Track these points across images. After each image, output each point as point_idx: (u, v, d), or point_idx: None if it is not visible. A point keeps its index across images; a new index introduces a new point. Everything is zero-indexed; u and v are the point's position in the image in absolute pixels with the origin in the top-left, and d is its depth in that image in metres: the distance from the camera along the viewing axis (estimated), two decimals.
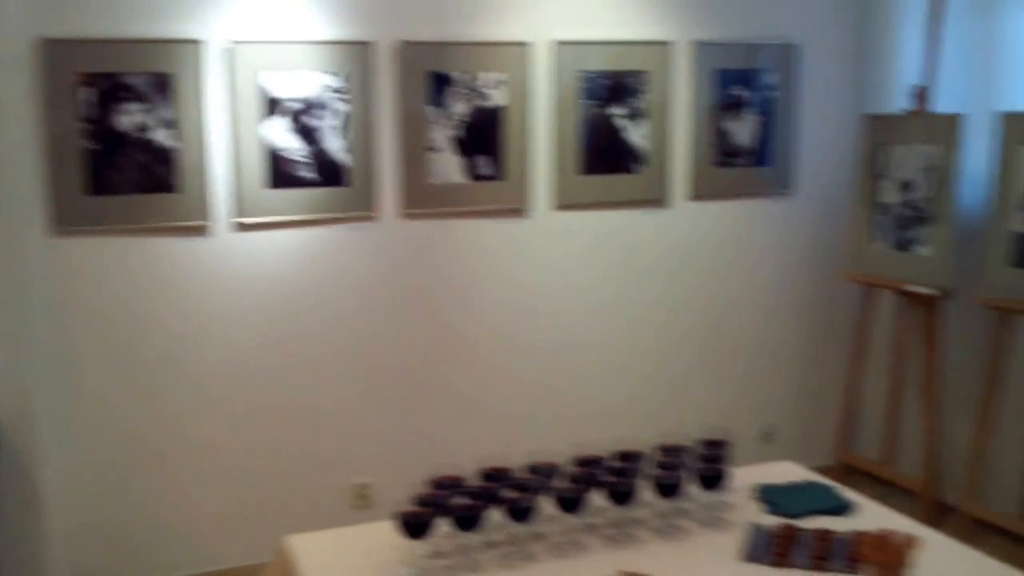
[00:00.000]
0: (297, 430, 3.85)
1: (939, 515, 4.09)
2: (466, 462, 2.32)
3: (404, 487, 2.22)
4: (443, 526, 2.13)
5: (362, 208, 3.82)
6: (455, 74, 3.88)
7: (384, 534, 2.19)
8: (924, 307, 4.15)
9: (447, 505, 2.14)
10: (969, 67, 4.17)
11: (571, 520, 2.25)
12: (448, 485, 2.24)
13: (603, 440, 2.43)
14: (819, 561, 2.08)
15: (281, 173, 3.69)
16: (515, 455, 2.36)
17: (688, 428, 2.53)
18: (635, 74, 4.17)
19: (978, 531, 3.86)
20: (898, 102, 4.36)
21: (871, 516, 2.34)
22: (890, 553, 1.83)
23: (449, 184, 3.94)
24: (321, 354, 3.85)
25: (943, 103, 4.18)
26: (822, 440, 4.73)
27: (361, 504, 3.95)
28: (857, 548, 2.03)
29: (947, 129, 3.99)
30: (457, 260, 4.01)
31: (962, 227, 4.05)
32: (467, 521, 2.12)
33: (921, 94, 4.15)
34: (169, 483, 3.71)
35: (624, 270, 4.31)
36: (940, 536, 2.25)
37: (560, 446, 2.41)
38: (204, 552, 3.78)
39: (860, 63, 4.66)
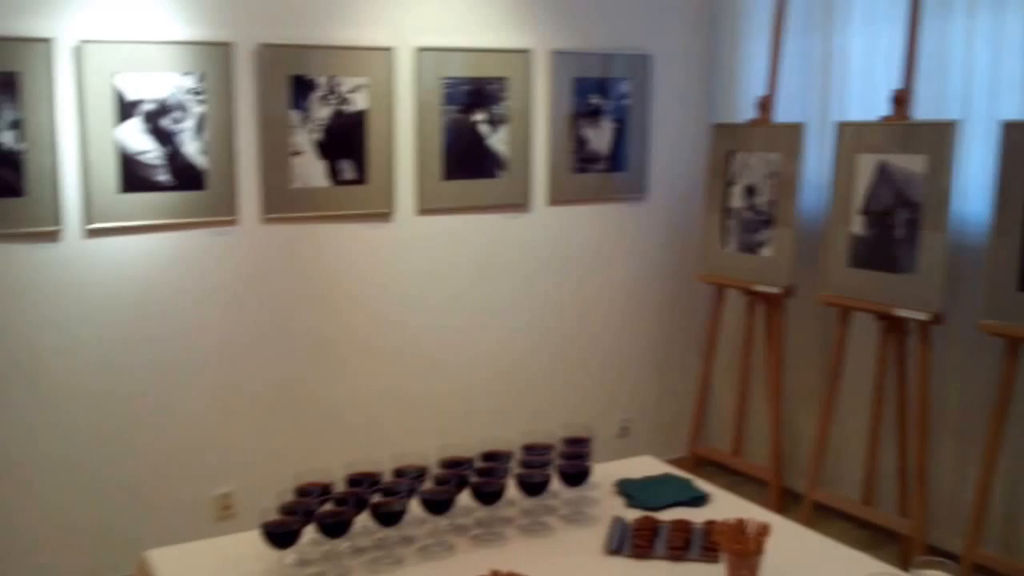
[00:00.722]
0: (157, 440, 3.76)
1: (786, 502, 4.31)
2: (332, 468, 2.33)
3: (268, 496, 2.21)
4: (309, 534, 2.14)
5: (222, 213, 3.77)
6: (317, 78, 3.87)
7: (248, 544, 2.18)
8: (769, 306, 4.36)
9: (313, 512, 2.15)
10: (808, 80, 4.41)
11: (439, 522, 2.29)
12: (313, 492, 2.25)
13: (469, 441, 2.48)
14: (678, 551, 2.18)
15: (136, 177, 3.60)
16: (381, 459, 2.39)
17: (550, 426, 2.61)
18: (496, 81, 4.25)
19: (822, 516, 4.08)
20: (744, 112, 4.57)
21: (725, 506, 2.47)
22: (745, 541, 1.94)
23: (312, 188, 3.92)
24: (180, 362, 3.77)
25: (785, 113, 4.40)
26: (676, 434, 4.92)
27: (225, 515, 3.89)
28: (714, 537, 2.14)
29: (789, 137, 4.21)
30: (320, 265, 4.00)
31: (803, 230, 4.28)
32: (334, 528, 2.13)
33: (765, 104, 4.37)
34: (25, 496, 3.57)
35: (487, 273, 4.38)
36: (789, 523, 2.40)
37: (425, 448, 2.44)
38: (63, 567, 3.65)
39: (709, 74, 4.87)
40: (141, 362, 3.70)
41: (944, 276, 3.56)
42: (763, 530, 1.98)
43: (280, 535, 2.08)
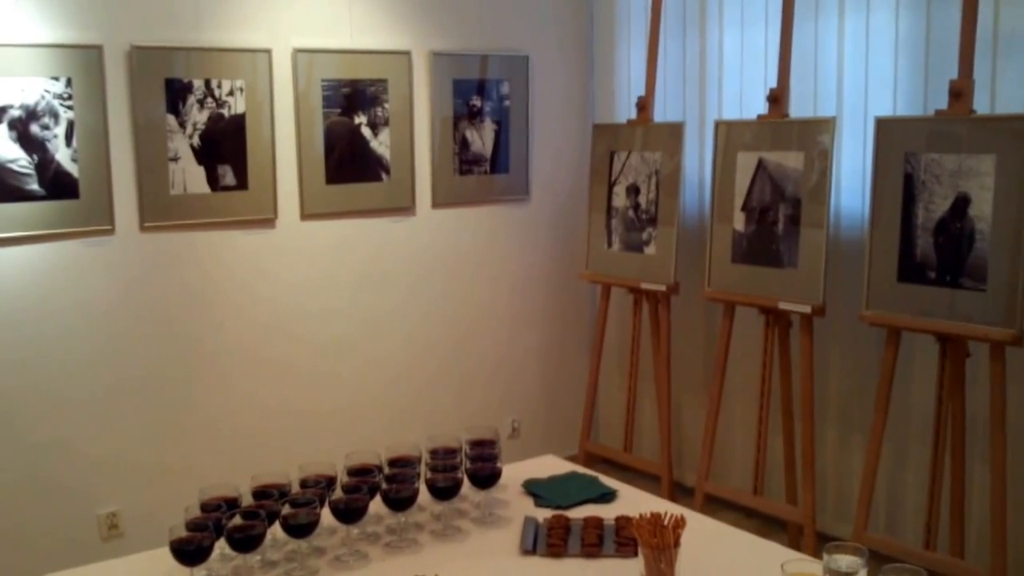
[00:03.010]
0: (35, 460, 3.56)
1: (677, 495, 4.38)
2: (226, 482, 2.24)
3: (158, 513, 2.12)
4: (218, 549, 2.06)
5: (97, 222, 3.61)
6: (193, 81, 3.75)
7: (147, 565, 2.09)
8: (655, 303, 4.43)
9: (222, 527, 2.07)
10: (686, 79, 4.51)
11: (351, 531, 2.24)
12: (220, 507, 2.17)
13: (374, 447, 2.43)
14: (593, 548, 2.18)
15: (4, 186, 3.40)
16: (285, 471, 2.32)
17: (441, 430, 2.58)
18: (376, 83, 4.20)
19: (713, 508, 4.16)
20: (624, 112, 4.64)
21: (632, 501, 2.49)
22: (663, 534, 1.95)
23: (191, 195, 3.79)
24: (56, 377, 3.59)
25: (664, 113, 4.49)
26: (566, 432, 4.95)
27: (112, 535, 3.72)
28: (630, 531, 2.15)
29: (668, 137, 4.29)
30: (202, 274, 3.87)
31: (686, 227, 4.37)
32: (244, 542, 2.06)
33: (644, 104, 4.44)
34: None
35: (373, 278, 4.32)
36: (700, 516, 2.44)
37: (318, 458, 2.39)
38: None
39: (588, 75, 4.93)
40: (13, 379, 3.50)
41: (824, 269, 3.68)
42: (679, 523, 2.00)
43: (190, 552, 1.99)
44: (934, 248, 3.32)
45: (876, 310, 3.46)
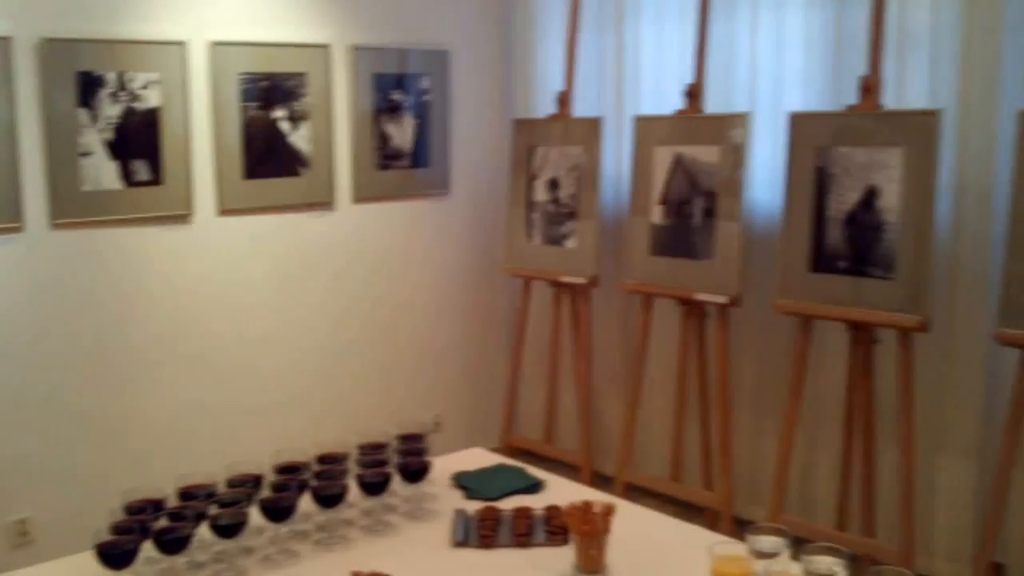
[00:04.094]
0: None
1: (598, 485, 4.42)
2: (143, 484, 2.20)
3: (71, 519, 2.08)
4: (144, 552, 2.03)
5: (4, 219, 3.50)
6: (106, 74, 3.66)
7: (65, 571, 2.05)
8: (575, 296, 4.48)
9: (148, 529, 2.04)
10: (604, 75, 4.56)
11: (280, 529, 2.23)
12: (144, 509, 2.14)
13: (299, 444, 2.42)
14: (523, 537, 2.21)
15: None
16: (211, 471, 2.30)
17: (363, 426, 2.58)
18: (294, 77, 4.16)
19: (633, 496, 4.22)
20: (544, 107, 4.67)
21: (559, 491, 2.53)
22: (593, 521, 1.99)
23: (104, 191, 3.71)
24: None
25: (583, 107, 4.54)
26: (488, 425, 4.98)
27: (23, 542, 3.62)
28: (560, 520, 2.19)
29: (587, 132, 4.34)
30: (117, 272, 3.79)
31: (606, 221, 4.43)
32: (172, 544, 2.03)
33: (563, 99, 4.48)
34: None
35: (294, 273, 4.28)
36: (629, 503, 2.49)
37: (249, 456, 2.36)
38: None
39: (508, 70, 4.95)
40: None
41: (740, 261, 3.77)
42: (608, 510, 2.04)
43: (116, 555, 1.96)
44: (844, 239, 3.43)
45: (789, 299, 3.56)
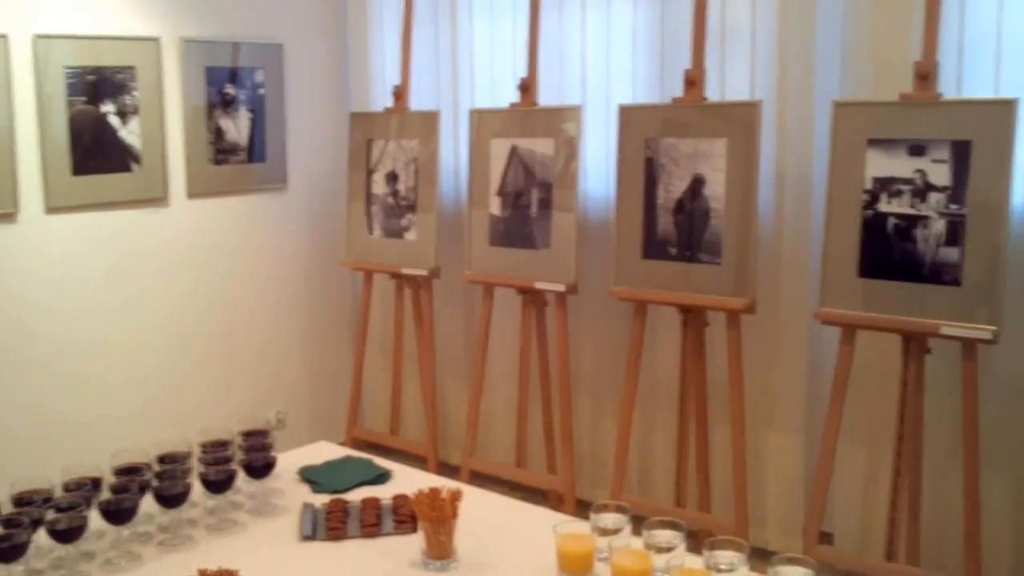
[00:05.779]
0: None
1: (444, 474, 4.47)
2: None
3: None
4: None
5: None
6: None
7: None
8: (417, 288, 4.51)
9: None
10: (439, 68, 4.60)
11: (122, 532, 2.18)
12: None
13: (140, 446, 2.37)
14: (372, 528, 2.24)
15: None
16: (46, 475, 2.23)
17: (206, 424, 2.55)
18: (123, 70, 4.03)
19: (478, 483, 4.27)
20: (380, 100, 4.68)
21: (407, 479, 2.56)
22: (441, 507, 2.03)
23: None
24: None
25: (420, 101, 4.56)
26: (333, 420, 4.96)
27: None
28: (408, 508, 2.22)
29: (424, 125, 4.38)
30: None
31: (445, 213, 4.48)
32: (8, 552, 1.96)
33: (399, 93, 4.50)
34: None
35: (127, 272, 4.16)
36: (477, 489, 2.54)
37: (88, 457, 2.30)
38: None
39: (343, 63, 4.93)
40: None
41: (576, 249, 3.88)
42: (456, 496, 2.08)
43: None
44: (674, 226, 3.58)
45: (624, 286, 3.69)
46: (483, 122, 4.16)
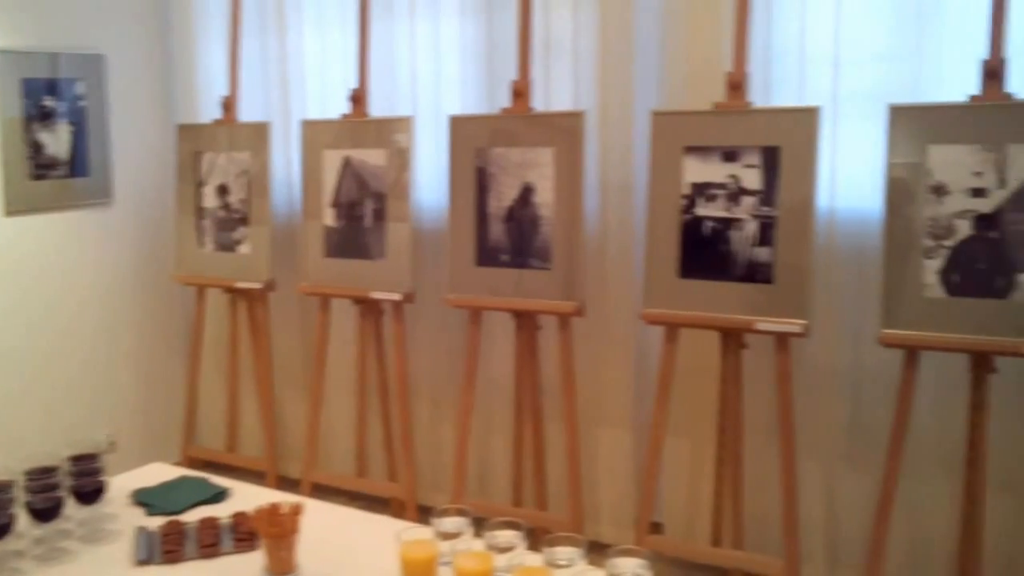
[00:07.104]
0: None
1: (285, 488, 4.43)
2: None
3: None
4: None
5: None
6: None
7: None
8: (251, 301, 4.46)
9: None
10: (268, 79, 4.56)
11: None
12: None
13: None
14: (210, 548, 2.22)
15: None
16: None
17: (32, 450, 2.47)
18: None
19: (321, 495, 4.26)
20: (208, 112, 4.60)
21: (245, 496, 2.55)
22: (281, 522, 2.04)
23: None
24: None
25: (249, 112, 4.51)
26: (167, 439, 4.84)
27: None
28: (248, 526, 2.22)
29: (254, 136, 4.33)
30: None
31: (279, 225, 4.44)
32: None
33: (228, 104, 4.43)
34: None
35: None
36: (317, 501, 2.55)
37: None
38: None
39: (168, 74, 4.82)
40: None
41: (411, 259, 3.92)
42: (296, 510, 2.10)
43: None
44: (506, 234, 3.66)
45: (458, 294, 3.76)
46: (315, 133, 4.15)
